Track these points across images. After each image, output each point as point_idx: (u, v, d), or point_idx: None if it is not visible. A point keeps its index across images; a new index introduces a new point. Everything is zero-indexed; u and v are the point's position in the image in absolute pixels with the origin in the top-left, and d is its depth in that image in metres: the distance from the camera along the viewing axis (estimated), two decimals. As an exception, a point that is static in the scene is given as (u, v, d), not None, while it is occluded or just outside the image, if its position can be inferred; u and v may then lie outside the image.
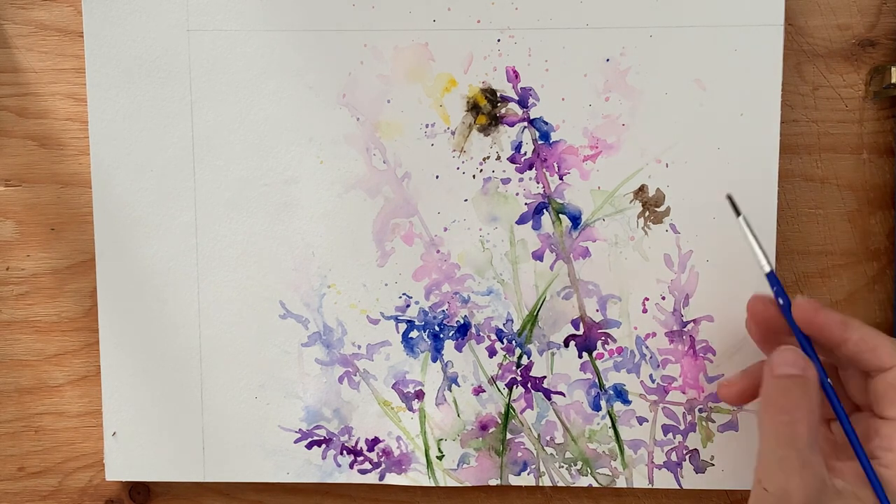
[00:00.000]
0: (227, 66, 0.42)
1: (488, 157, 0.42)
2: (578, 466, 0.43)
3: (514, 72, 0.41)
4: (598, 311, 0.42)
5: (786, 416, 0.34)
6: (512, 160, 0.42)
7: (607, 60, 0.41)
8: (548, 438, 0.43)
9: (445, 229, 0.42)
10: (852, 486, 0.33)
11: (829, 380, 0.35)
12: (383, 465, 0.43)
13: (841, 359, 0.36)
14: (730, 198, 0.39)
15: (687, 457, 0.43)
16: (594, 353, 0.43)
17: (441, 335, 0.43)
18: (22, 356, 0.45)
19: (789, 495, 0.33)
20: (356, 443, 0.43)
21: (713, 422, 0.42)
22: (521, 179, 0.42)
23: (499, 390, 0.43)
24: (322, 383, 0.43)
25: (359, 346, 0.43)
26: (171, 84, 0.42)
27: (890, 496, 0.33)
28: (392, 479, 0.43)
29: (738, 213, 0.38)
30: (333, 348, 0.43)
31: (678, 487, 0.43)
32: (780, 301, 0.37)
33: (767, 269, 0.37)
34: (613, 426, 0.43)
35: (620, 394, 0.43)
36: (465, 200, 0.42)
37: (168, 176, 0.42)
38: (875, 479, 0.33)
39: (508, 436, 0.43)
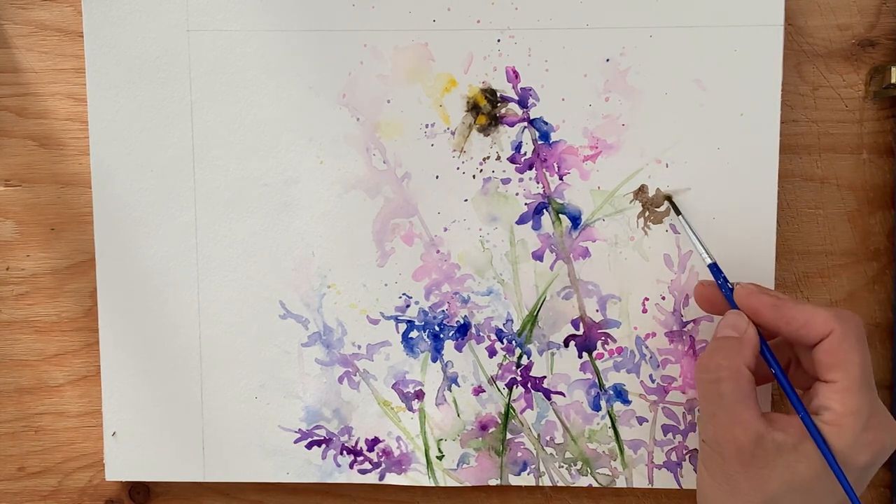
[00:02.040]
0: (227, 66, 0.42)
1: (488, 158, 0.42)
2: (578, 466, 0.43)
3: (514, 72, 0.41)
4: (598, 311, 0.42)
5: (708, 375, 0.36)
6: (512, 160, 0.42)
7: (607, 60, 0.41)
8: (548, 438, 0.43)
9: (445, 229, 0.42)
10: (794, 440, 0.35)
11: (767, 342, 0.37)
12: (383, 465, 0.43)
13: (787, 339, 0.37)
14: (669, 199, 0.41)
15: (687, 457, 0.43)
16: (594, 353, 0.43)
17: (441, 335, 0.43)
18: (22, 356, 0.45)
19: (721, 447, 0.35)
20: (356, 443, 0.43)
21: (713, 422, 0.42)
22: (521, 179, 0.42)
23: (499, 390, 0.43)
24: (322, 383, 0.43)
25: (359, 346, 0.43)
26: (171, 84, 0.42)
27: (829, 448, 0.35)
28: (392, 479, 0.43)
29: (678, 212, 0.41)
30: (333, 348, 0.43)
31: (678, 487, 0.43)
32: (725, 291, 0.39)
33: (709, 261, 0.39)
34: (613, 426, 0.43)
35: (620, 394, 0.43)
36: (465, 200, 0.42)
37: (168, 176, 0.42)
38: (813, 426, 0.35)
39: (508, 436, 0.43)
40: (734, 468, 0.35)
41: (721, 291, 0.39)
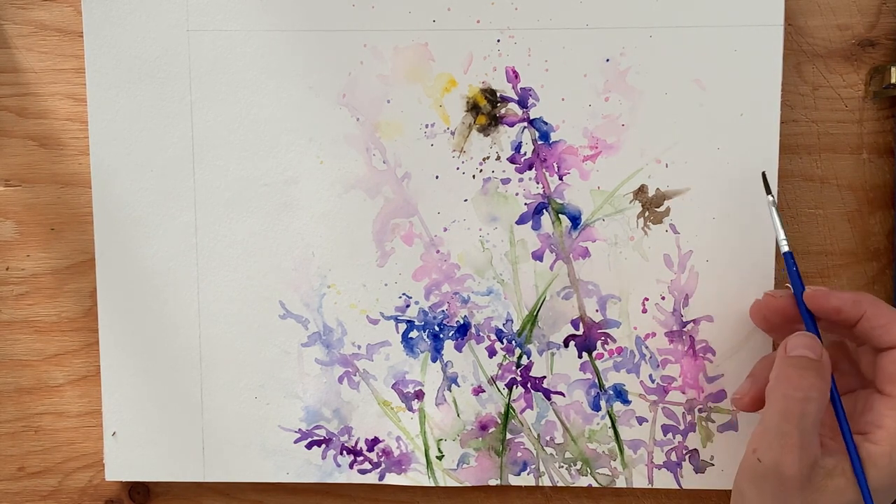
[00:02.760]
0: (227, 66, 0.42)
1: (488, 158, 0.42)
2: (578, 466, 0.43)
3: (514, 72, 0.41)
4: (597, 311, 0.42)
5: (800, 393, 0.34)
6: (512, 160, 0.42)
7: (607, 60, 0.41)
8: (547, 438, 0.43)
9: (445, 229, 0.42)
10: (843, 464, 0.35)
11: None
12: (383, 465, 0.43)
13: (855, 336, 0.37)
14: (763, 175, 0.40)
15: (687, 457, 0.43)
16: (594, 353, 0.43)
17: (441, 335, 0.43)
18: (22, 356, 0.45)
19: (781, 470, 0.34)
20: (356, 443, 0.43)
21: (713, 422, 0.42)
22: (520, 179, 0.42)
23: (498, 390, 0.43)
24: (322, 383, 0.43)
25: (359, 346, 0.43)
26: (171, 84, 0.42)
27: (877, 471, 0.34)
28: (392, 479, 0.43)
29: (768, 192, 0.40)
30: (333, 348, 0.43)
31: (678, 487, 0.43)
32: (791, 284, 0.38)
33: (786, 249, 0.38)
34: (613, 426, 0.43)
35: (620, 394, 0.43)
36: (465, 200, 0.42)
37: (168, 176, 0.42)
38: (859, 467, 0.34)
39: (508, 436, 0.43)
40: (791, 491, 0.34)
41: (790, 293, 0.38)
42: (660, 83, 0.41)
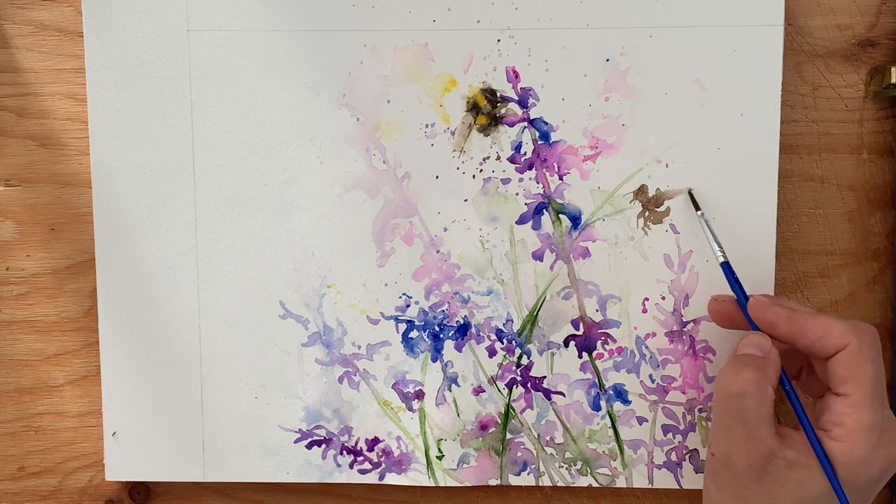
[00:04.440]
0: (227, 66, 0.42)
1: (488, 157, 0.42)
2: (578, 466, 0.43)
3: (514, 72, 0.41)
4: (597, 311, 0.42)
5: (734, 388, 0.35)
6: (512, 160, 0.42)
7: (607, 60, 0.41)
8: (548, 438, 0.43)
9: (445, 229, 0.42)
10: (805, 458, 0.35)
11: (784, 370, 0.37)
12: (383, 465, 0.43)
13: (802, 350, 0.37)
14: (690, 193, 0.41)
15: (687, 457, 0.43)
16: (594, 353, 0.43)
17: (441, 335, 0.43)
18: (22, 356, 0.45)
19: (732, 462, 0.35)
20: (356, 443, 0.43)
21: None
22: (521, 179, 0.42)
23: (499, 390, 0.43)
24: (322, 383, 0.43)
25: (359, 346, 0.43)
26: (171, 84, 0.42)
27: (838, 467, 0.34)
28: (392, 479, 0.43)
29: (697, 208, 0.41)
30: (333, 348, 0.43)
31: (678, 487, 0.43)
32: (737, 291, 0.39)
33: (722, 259, 0.39)
34: (613, 426, 0.43)
35: (620, 394, 0.43)
36: (465, 200, 0.42)
37: (168, 176, 0.42)
38: (821, 451, 0.35)
39: (508, 436, 0.43)
40: (745, 483, 0.35)
41: (735, 298, 0.39)
42: (660, 83, 0.41)
